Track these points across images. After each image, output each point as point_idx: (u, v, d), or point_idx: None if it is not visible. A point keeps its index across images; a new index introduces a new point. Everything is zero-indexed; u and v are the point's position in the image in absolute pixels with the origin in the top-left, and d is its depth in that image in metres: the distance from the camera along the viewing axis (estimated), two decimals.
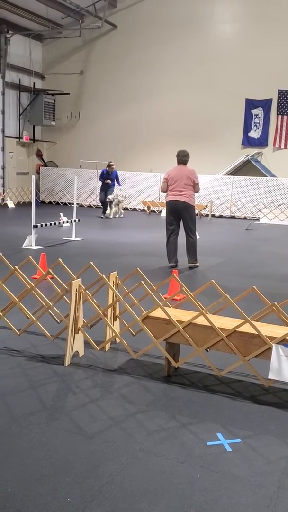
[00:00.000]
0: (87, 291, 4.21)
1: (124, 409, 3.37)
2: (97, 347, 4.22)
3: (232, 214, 19.35)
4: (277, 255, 10.29)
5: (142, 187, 20.26)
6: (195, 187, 8.24)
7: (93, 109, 22.37)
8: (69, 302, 4.08)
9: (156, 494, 2.49)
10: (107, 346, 4.46)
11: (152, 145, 21.18)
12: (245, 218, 18.76)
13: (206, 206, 18.57)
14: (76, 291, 4.10)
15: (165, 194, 8.46)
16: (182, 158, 8.32)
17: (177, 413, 3.35)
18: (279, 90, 19.42)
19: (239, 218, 19.04)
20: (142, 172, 20.51)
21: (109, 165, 16.75)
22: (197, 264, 8.45)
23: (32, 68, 22.21)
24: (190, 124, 20.53)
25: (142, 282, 4.12)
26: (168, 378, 3.92)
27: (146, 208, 19.58)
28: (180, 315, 3.96)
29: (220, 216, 19.32)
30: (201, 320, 3.78)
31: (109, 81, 21.90)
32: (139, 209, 20.30)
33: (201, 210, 18.54)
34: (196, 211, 17.19)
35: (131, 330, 4.39)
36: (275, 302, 3.76)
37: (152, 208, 19.59)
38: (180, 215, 8.28)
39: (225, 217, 19.32)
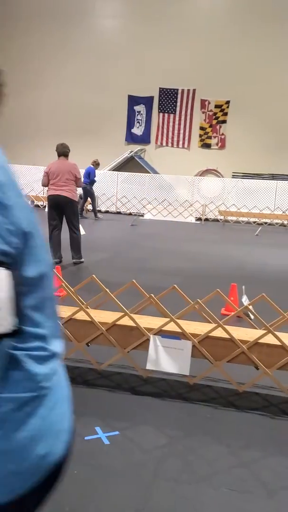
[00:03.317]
0: None
1: None
2: None
3: (118, 210, 19.59)
4: (159, 250, 10.59)
5: (25, 180, 19.71)
6: (77, 181, 8.18)
7: None
8: None
9: None
10: None
11: (34, 138, 20.70)
12: (130, 214, 19.07)
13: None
14: None
15: (47, 188, 8.31)
16: (62, 149, 8.19)
17: None
18: (160, 88, 19.99)
19: (124, 213, 19.31)
20: (25, 166, 19.95)
21: (98, 164, 15.49)
22: (82, 259, 8.42)
23: None
24: (74, 118, 20.38)
25: None
26: None
27: (29, 203, 19.05)
28: (60, 311, 3.91)
29: (106, 212, 19.46)
30: (81, 315, 3.77)
31: None
32: None
33: (87, 206, 18.50)
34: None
35: None
36: (152, 294, 3.86)
37: (36, 202, 19.15)
38: (63, 210, 8.18)
39: (111, 212, 19.49)
